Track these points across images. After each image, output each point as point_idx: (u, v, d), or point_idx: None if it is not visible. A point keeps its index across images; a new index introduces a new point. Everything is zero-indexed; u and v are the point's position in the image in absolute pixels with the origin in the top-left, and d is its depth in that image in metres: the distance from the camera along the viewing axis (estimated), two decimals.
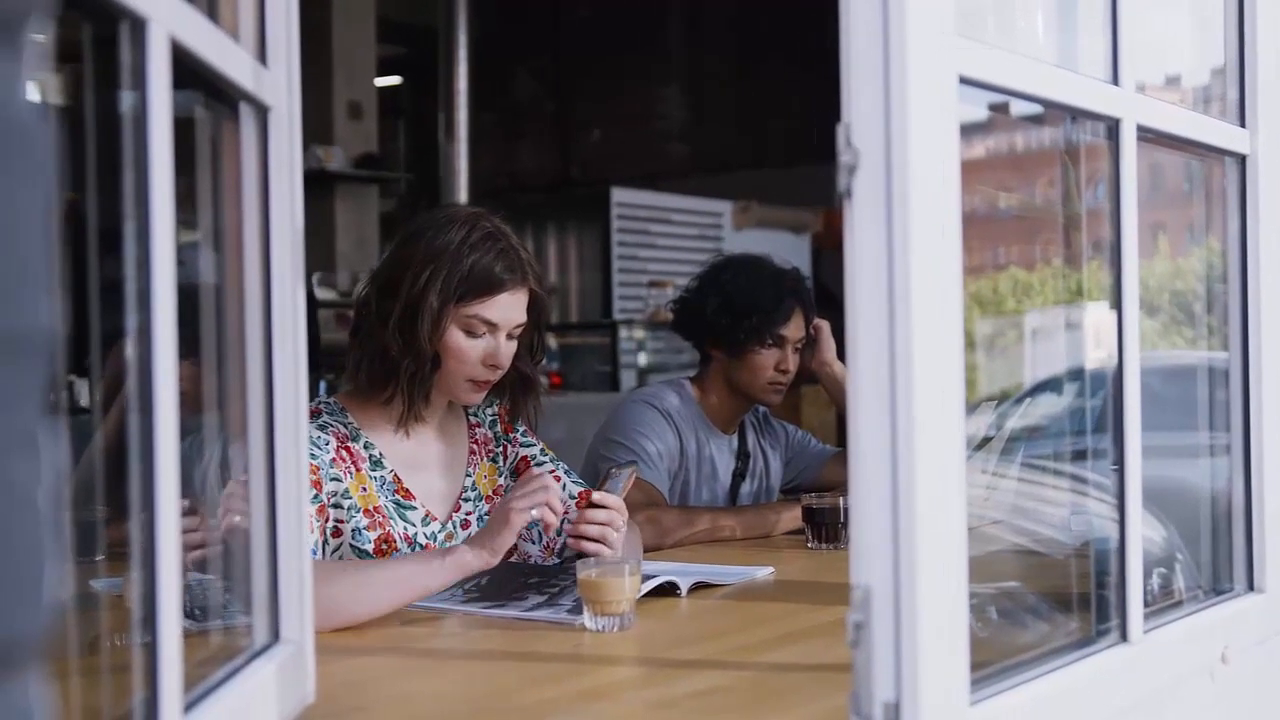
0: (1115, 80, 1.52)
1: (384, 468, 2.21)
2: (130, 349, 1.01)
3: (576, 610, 1.90)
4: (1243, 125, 1.81)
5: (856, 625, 1.18)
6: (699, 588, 2.17)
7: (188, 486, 1.06)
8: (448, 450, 2.33)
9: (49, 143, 0.62)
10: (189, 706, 1.09)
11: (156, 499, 1.01)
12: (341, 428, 2.20)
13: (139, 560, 1.01)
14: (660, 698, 1.56)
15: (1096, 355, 1.93)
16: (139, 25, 1.00)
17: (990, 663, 1.33)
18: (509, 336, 2.22)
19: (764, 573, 2.34)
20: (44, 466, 0.60)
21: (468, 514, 2.31)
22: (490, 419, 2.41)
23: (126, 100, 1.02)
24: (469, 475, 2.33)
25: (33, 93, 0.61)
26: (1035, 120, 1.74)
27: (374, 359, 2.19)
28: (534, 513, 1.97)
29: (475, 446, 2.37)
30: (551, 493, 2.00)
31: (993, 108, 1.47)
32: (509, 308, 2.19)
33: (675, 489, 2.97)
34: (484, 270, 2.15)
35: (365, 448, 2.21)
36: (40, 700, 0.62)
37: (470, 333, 2.18)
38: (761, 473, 3.16)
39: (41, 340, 0.61)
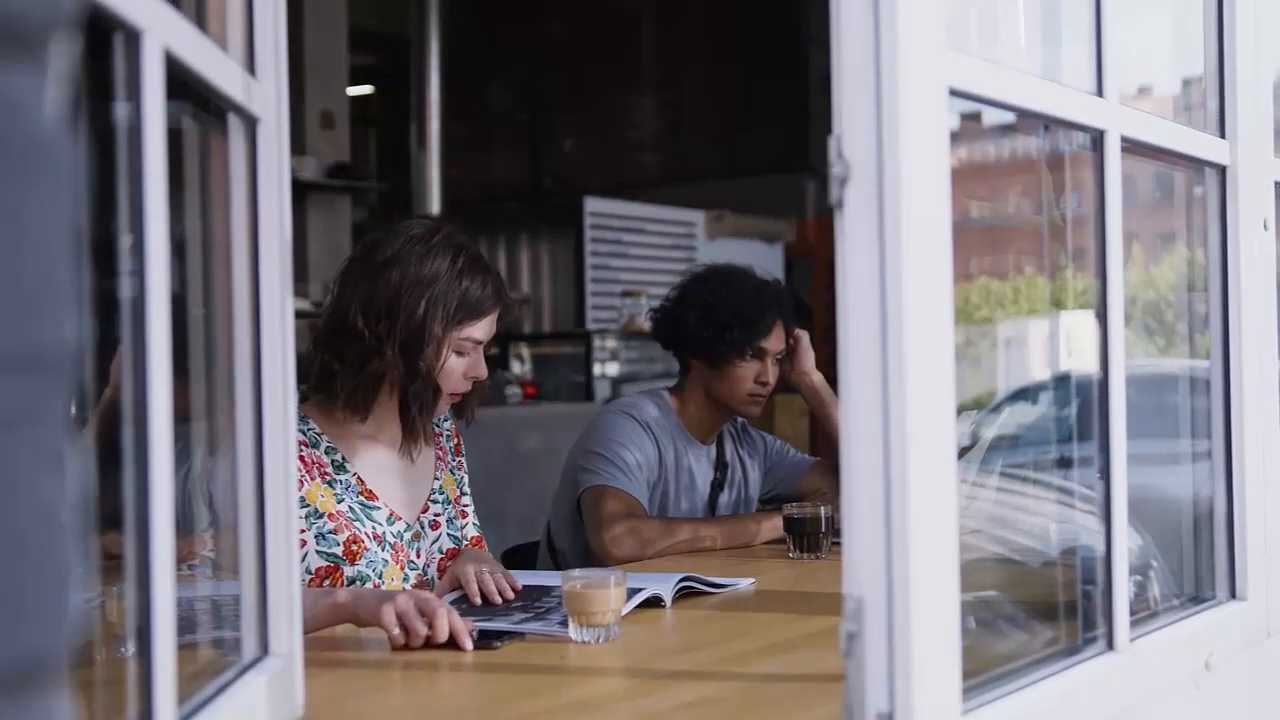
0: (1099, 92, 1.53)
1: (348, 471, 2.26)
2: (123, 360, 1.01)
3: (565, 625, 1.89)
4: (1222, 136, 1.83)
5: (849, 635, 1.18)
6: (685, 595, 2.18)
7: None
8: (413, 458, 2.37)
9: (72, 157, 0.62)
10: None
11: (151, 512, 1.00)
12: (300, 435, 2.21)
13: (134, 574, 1.00)
14: (650, 709, 1.56)
15: (1071, 364, 1.94)
16: (133, 37, 0.99)
17: (981, 672, 1.33)
18: (485, 349, 2.32)
19: (746, 583, 2.35)
20: (68, 482, 0.60)
21: (436, 515, 2.37)
22: (446, 433, 2.48)
23: (120, 110, 1.01)
24: (437, 479, 2.40)
25: (56, 107, 0.61)
26: (1009, 130, 1.75)
27: (371, 384, 2.23)
28: (395, 632, 1.82)
29: (440, 453, 2.44)
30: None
31: (965, 116, 1.47)
32: (491, 324, 2.31)
33: (654, 499, 2.97)
34: (477, 295, 2.26)
35: (327, 453, 2.25)
36: (66, 715, 0.62)
37: (460, 353, 2.27)
38: (740, 483, 3.16)
39: (66, 356, 0.60)
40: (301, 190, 7.29)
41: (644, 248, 8.20)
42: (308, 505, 2.18)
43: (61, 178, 0.61)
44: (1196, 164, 1.84)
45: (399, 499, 2.31)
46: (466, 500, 2.48)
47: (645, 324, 3.11)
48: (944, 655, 1.21)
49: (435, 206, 8.18)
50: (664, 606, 2.11)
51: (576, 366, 7.39)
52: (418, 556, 2.31)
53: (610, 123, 9.60)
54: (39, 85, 0.60)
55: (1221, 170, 1.83)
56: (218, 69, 1.21)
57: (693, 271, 3.15)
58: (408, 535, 2.30)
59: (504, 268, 8.56)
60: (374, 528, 2.24)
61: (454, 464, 2.46)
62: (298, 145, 7.24)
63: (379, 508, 2.27)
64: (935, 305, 1.20)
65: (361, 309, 2.21)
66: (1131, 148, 1.59)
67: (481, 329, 2.28)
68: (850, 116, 1.18)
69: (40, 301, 0.59)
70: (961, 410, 2.23)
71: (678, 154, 9.51)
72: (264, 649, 1.36)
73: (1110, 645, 1.52)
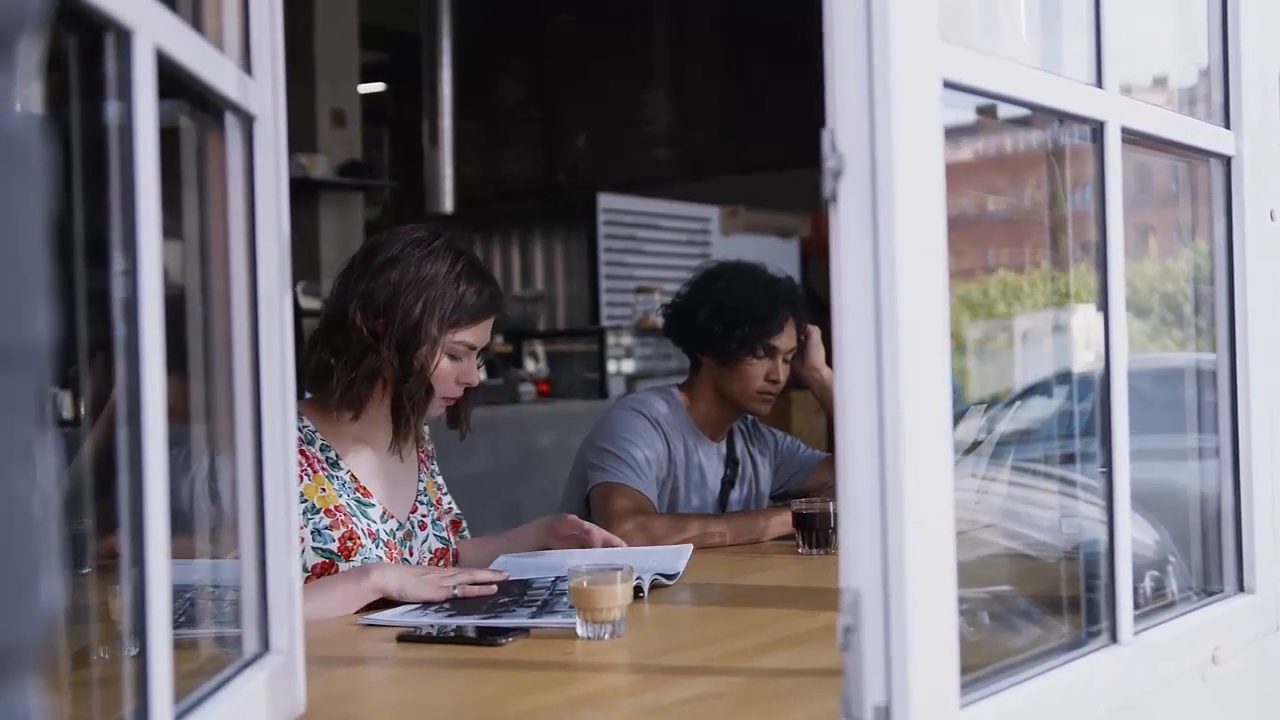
0: (1099, 83, 1.52)
1: (342, 469, 2.30)
2: (117, 360, 1.01)
3: (569, 616, 1.89)
4: (1228, 127, 1.82)
5: (846, 629, 1.18)
6: (662, 588, 2.21)
7: (175, 499, 1.06)
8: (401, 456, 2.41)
9: (44, 154, 0.62)
10: (179, 717, 1.09)
11: (145, 511, 1.00)
12: (296, 433, 2.23)
13: (129, 571, 1.00)
14: (652, 704, 1.55)
15: (1086, 358, 1.93)
16: (125, 36, 0.99)
17: (981, 665, 1.33)
18: (479, 355, 2.36)
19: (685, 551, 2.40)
20: (40, 475, 0.61)
21: (423, 516, 2.43)
22: (426, 439, 2.53)
23: (112, 110, 1.02)
24: (421, 481, 2.46)
25: (26, 104, 0.62)
26: (1023, 123, 1.75)
27: (365, 380, 2.26)
28: (456, 591, 2.12)
29: (424, 457, 2.49)
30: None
31: (980, 111, 1.47)
32: (485, 332, 2.34)
33: (664, 496, 2.97)
34: (473, 300, 2.29)
35: (321, 450, 2.29)
36: (37, 707, 0.62)
37: (453, 357, 2.30)
38: (751, 479, 3.16)
39: (38, 351, 0.61)
40: (313, 189, 7.30)
41: (658, 244, 8.20)
42: (306, 501, 2.22)
43: (33, 175, 0.61)
44: (1201, 155, 1.83)
45: (390, 499, 2.36)
46: (448, 499, 2.54)
47: (659, 320, 3.10)
48: (941, 648, 1.20)
49: (448, 204, 8.18)
50: (642, 599, 2.11)
51: (590, 364, 7.39)
52: (410, 555, 2.36)
53: (623, 118, 9.59)
54: (8, 82, 0.60)
55: (1227, 161, 1.83)
56: (212, 68, 1.21)
57: (705, 268, 3.15)
58: (400, 534, 2.35)
59: (517, 265, 8.57)
60: (369, 524, 2.29)
61: (433, 469, 2.52)
62: (309, 143, 7.25)
63: (373, 505, 2.32)
64: (929, 298, 1.20)
65: (360, 306, 2.25)
66: (1134, 139, 1.59)
67: (474, 334, 2.31)
68: (843, 110, 1.18)
69: (12, 297, 0.60)
70: (976, 405, 2.22)
71: (691, 149, 9.50)
72: (265, 645, 1.37)
73: (1114, 638, 1.52)
